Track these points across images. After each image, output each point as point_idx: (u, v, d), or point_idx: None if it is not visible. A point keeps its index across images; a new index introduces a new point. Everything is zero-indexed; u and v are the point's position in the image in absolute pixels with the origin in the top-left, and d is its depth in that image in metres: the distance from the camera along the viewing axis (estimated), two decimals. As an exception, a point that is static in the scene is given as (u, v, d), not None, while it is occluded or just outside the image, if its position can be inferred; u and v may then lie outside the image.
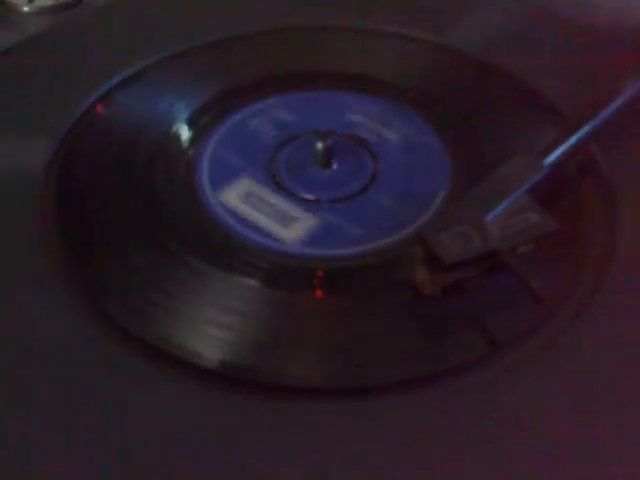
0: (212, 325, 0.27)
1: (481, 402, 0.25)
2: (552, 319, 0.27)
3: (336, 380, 0.26)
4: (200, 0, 0.42)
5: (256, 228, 0.30)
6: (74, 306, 0.27)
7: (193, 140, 0.34)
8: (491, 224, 0.28)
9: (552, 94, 0.35)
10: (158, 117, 0.35)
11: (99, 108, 0.35)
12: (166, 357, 0.26)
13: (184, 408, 0.25)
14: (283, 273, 0.29)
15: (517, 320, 0.27)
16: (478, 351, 0.26)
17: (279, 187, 0.32)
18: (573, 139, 0.31)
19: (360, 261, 0.29)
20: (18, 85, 0.37)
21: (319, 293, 0.29)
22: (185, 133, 0.34)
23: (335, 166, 0.33)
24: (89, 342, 0.26)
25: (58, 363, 0.26)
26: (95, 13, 0.42)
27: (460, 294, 0.28)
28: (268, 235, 0.30)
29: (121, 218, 0.31)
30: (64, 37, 0.41)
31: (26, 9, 0.42)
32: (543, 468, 0.23)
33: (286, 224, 0.30)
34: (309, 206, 0.31)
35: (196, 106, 0.36)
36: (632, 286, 0.28)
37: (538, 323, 0.27)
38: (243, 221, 0.30)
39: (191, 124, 0.35)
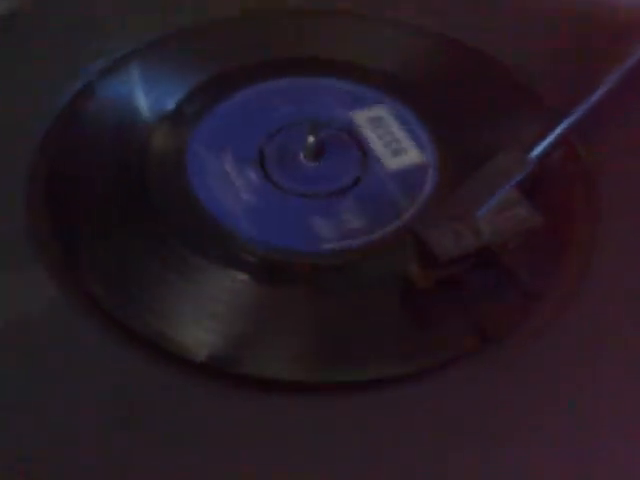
0: (199, 316, 0.28)
1: (470, 396, 0.26)
2: (540, 312, 0.28)
3: (323, 375, 0.27)
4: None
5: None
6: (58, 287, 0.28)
7: (183, 128, 0.34)
8: (482, 219, 0.29)
9: (538, 83, 0.35)
10: (146, 104, 0.35)
11: (83, 96, 0.35)
12: (150, 347, 0.27)
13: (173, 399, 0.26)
14: (271, 266, 0.30)
15: (507, 313, 0.28)
16: (468, 346, 0.27)
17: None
18: (557, 131, 0.32)
19: (348, 255, 0.30)
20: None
21: (307, 287, 0.29)
22: (173, 121, 0.34)
23: (324, 160, 0.33)
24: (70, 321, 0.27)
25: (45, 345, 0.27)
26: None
27: (451, 288, 0.28)
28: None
29: (112, 207, 0.31)
30: (34, 19, 0.39)
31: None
32: (536, 461, 0.24)
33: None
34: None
35: (186, 92, 0.35)
36: (615, 277, 0.29)
37: (526, 316, 0.28)
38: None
39: (180, 111, 0.35)
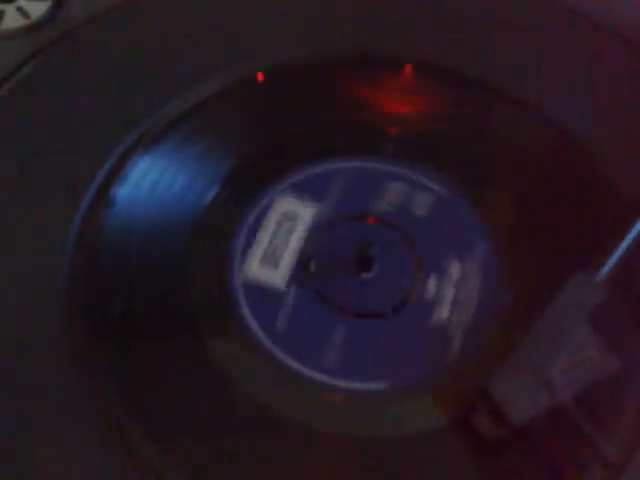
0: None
1: None
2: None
3: None
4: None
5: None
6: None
7: (223, 233, 0.31)
8: (555, 370, 0.27)
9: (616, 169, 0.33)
10: (177, 197, 0.32)
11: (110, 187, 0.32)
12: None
13: None
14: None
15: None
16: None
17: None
18: (625, 243, 0.30)
19: (398, 398, 0.28)
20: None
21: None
22: (212, 224, 0.31)
23: (376, 269, 0.31)
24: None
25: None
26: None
27: (522, 441, 0.27)
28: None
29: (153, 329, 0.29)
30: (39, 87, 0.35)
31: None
32: None
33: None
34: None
35: (219, 183, 0.32)
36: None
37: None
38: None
39: (218, 210, 0.32)
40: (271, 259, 0.30)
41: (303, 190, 0.32)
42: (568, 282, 0.29)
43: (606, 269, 0.29)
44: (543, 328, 0.28)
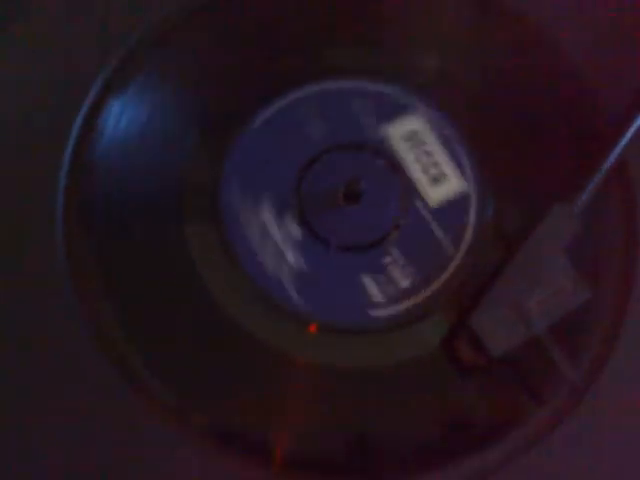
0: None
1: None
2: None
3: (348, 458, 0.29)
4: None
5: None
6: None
7: (208, 170, 0.32)
8: (532, 300, 0.29)
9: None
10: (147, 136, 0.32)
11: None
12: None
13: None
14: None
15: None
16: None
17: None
18: (601, 173, 0.31)
19: (395, 324, 0.30)
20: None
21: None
22: (196, 160, 0.32)
23: (364, 200, 0.32)
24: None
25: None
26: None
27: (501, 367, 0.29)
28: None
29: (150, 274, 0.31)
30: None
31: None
32: None
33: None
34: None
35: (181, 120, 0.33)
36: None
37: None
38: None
39: (200, 147, 0.32)
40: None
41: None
42: (547, 214, 0.30)
43: (583, 199, 0.31)
44: (522, 260, 0.30)
